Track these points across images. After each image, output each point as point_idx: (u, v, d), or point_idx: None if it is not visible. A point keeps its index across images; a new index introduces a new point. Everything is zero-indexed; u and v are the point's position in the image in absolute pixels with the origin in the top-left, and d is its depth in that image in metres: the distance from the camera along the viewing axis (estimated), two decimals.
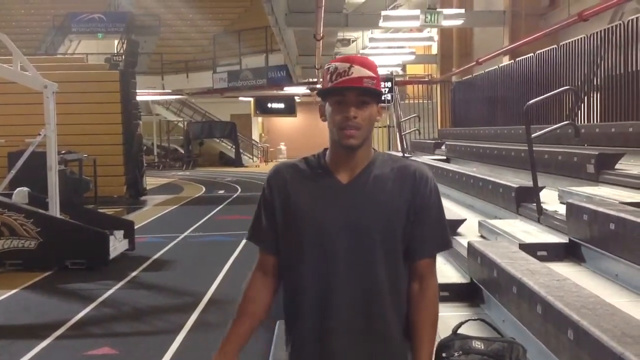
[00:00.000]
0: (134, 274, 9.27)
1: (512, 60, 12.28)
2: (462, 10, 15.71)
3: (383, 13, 14.26)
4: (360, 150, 2.07)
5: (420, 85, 20.75)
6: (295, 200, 2.09)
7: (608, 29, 7.93)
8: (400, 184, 2.09)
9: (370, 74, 2.03)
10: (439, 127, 17.97)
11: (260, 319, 2.18)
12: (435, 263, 2.20)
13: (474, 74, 15.61)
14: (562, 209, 4.87)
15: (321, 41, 17.34)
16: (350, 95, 2.02)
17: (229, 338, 2.15)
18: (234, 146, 34.37)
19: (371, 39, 18.34)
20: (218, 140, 35.45)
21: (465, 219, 5.79)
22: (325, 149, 2.15)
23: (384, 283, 2.06)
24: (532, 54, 10.47)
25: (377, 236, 2.05)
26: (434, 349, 2.17)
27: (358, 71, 2.02)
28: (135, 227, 11.20)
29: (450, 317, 3.93)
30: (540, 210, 5.21)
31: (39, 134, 10.33)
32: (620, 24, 7.65)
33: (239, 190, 21.25)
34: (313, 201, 2.07)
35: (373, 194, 2.06)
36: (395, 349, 2.10)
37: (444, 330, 3.13)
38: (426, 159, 11.12)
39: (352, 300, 2.04)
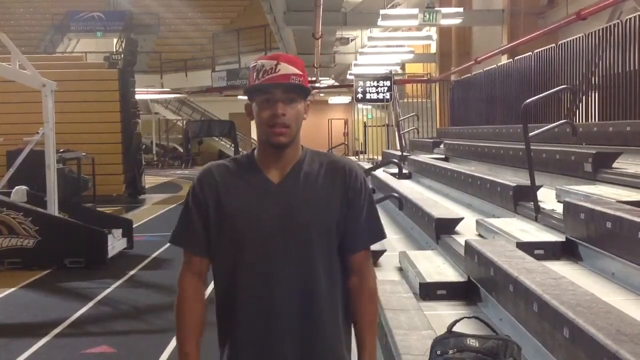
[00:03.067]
0: (132, 272, 9.27)
1: (511, 59, 12.29)
2: (461, 9, 15.69)
3: (382, 12, 14.25)
4: (290, 148, 2.08)
5: (419, 84, 20.79)
6: (229, 201, 2.08)
7: (606, 28, 7.94)
8: (332, 179, 2.10)
9: (297, 71, 2.04)
10: (438, 126, 17.97)
11: (203, 325, 2.18)
12: (371, 254, 2.21)
13: (472, 73, 15.62)
14: (559, 208, 4.88)
15: (320, 40, 17.34)
16: (278, 92, 2.03)
17: (189, 354, 2.14)
18: (233, 145, 34.34)
19: (370, 38, 18.33)
20: (217, 139, 35.40)
21: (463, 218, 5.80)
22: (254, 149, 2.16)
23: (323, 280, 2.07)
24: (531, 53, 10.48)
25: (314, 233, 2.06)
26: (376, 339, 2.18)
27: (285, 68, 2.03)
28: (134, 225, 11.21)
29: (447, 315, 3.94)
30: (537, 209, 5.22)
31: (38, 133, 10.32)
32: (618, 23, 7.66)
33: None
34: (246, 201, 2.07)
35: (306, 191, 2.07)
36: (333, 346, 2.10)
37: (439, 328, 3.14)
38: (425, 157, 11.12)
39: (292, 299, 2.04)
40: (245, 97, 2.13)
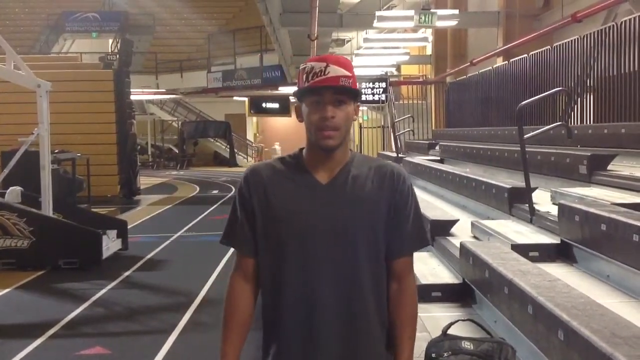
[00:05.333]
0: (127, 273, 9.25)
1: (506, 61, 12.31)
2: (457, 11, 15.73)
3: (377, 13, 14.28)
4: (339, 150, 2.07)
5: (414, 86, 20.79)
6: (275, 201, 2.06)
7: (601, 30, 7.96)
8: (379, 183, 2.08)
9: (347, 73, 2.03)
10: (433, 128, 18.00)
11: (249, 326, 2.14)
12: (413, 261, 2.19)
13: (468, 75, 15.64)
14: (554, 210, 4.88)
15: (315, 41, 17.34)
16: (327, 94, 2.01)
17: (226, 354, 2.11)
18: (228, 146, 34.34)
19: (365, 40, 18.35)
20: (212, 140, 35.41)
21: (458, 220, 5.80)
22: (302, 149, 2.14)
23: (367, 283, 2.05)
24: (526, 55, 10.50)
25: (360, 236, 2.04)
26: (414, 347, 2.15)
27: (334, 70, 2.01)
28: (129, 226, 11.18)
29: (441, 317, 3.94)
30: (532, 211, 5.23)
31: (32, 133, 10.29)
32: (613, 26, 7.67)
33: (233, 190, 21.23)
34: (293, 201, 2.05)
35: (354, 194, 2.06)
36: (378, 352, 2.09)
37: (434, 330, 3.13)
38: (420, 159, 11.13)
39: (337, 301, 2.02)
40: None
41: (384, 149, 19.17)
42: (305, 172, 2.08)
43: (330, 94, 2.01)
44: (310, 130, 2.06)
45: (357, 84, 2.09)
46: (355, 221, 2.04)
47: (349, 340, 2.03)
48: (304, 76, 2.03)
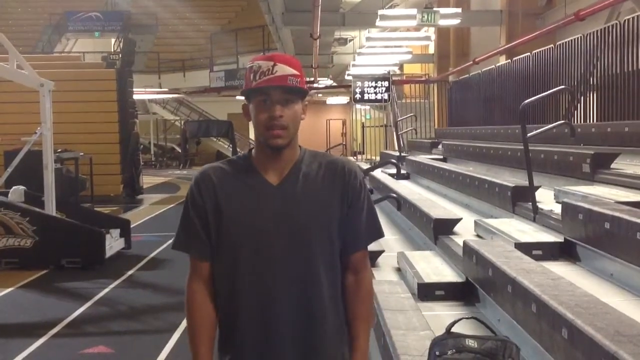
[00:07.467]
0: (129, 272, 9.26)
1: (509, 60, 12.30)
2: (459, 10, 15.69)
3: (380, 12, 14.25)
4: (287, 149, 2.06)
5: (417, 85, 20.78)
6: (227, 204, 2.05)
7: (604, 28, 7.95)
8: (331, 179, 2.08)
9: (294, 72, 2.02)
10: (436, 127, 18.00)
11: (216, 327, 2.13)
12: (368, 253, 2.20)
13: (470, 74, 15.62)
14: (557, 209, 4.88)
15: (318, 40, 17.35)
16: (275, 93, 2.01)
17: (202, 355, 2.09)
18: (231, 145, 34.28)
19: (368, 38, 18.31)
20: (215, 139, 35.34)
21: (462, 218, 5.80)
22: (251, 150, 2.14)
23: (324, 280, 2.05)
24: (529, 54, 10.49)
25: (315, 233, 2.04)
26: (369, 339, 2.17)
27: (282, 69, 2.00)
28: (132, 225, 11.19)
29: (445, 316, 3.94)
30: (535, 210, 5.22)
31: (35, 133, 10.31)
32: (616, 24, 7.67)
33: None
34: (245, 203, 2.04)
35: (305, 192, 2.05)
36: (334, 345, 2.09)
37: (438, 329, 3.14)
38: (423, 158, 11.12)
39: (294, 300, 2.02)
40: (243, 98, 2.11)
41: (386, 148, 19.16)
42: (255, 173, 2.08)
43: (278, 93, 2.01)
44: (258, 130, 2.05)
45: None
46: (308, 219, 2.04)
47: (306, 340, 2.03)
48: (252, 75, 2.02)
